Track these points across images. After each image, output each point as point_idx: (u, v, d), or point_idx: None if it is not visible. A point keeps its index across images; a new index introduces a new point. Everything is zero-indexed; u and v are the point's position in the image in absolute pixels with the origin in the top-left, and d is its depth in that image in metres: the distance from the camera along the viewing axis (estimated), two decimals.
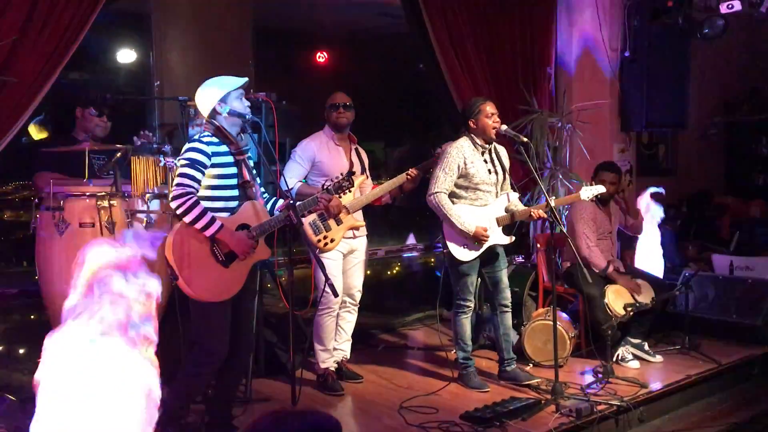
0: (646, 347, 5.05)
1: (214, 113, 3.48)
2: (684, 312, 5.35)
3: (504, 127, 4.40)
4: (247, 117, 3.51)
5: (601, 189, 4.56)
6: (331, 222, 4.41)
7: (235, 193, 3.50)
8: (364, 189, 4.65)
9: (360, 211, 4.61)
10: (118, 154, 3.89)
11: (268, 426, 1.67)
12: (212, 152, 3.41)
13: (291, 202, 3.48)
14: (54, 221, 3.66)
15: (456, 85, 5.89)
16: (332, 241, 4.40)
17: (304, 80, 7.34)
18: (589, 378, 4.61)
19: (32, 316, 4.54)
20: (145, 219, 3.95)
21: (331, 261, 4.42)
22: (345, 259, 4.55)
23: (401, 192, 4.63)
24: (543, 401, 4.11)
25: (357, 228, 4.54)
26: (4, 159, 4.27)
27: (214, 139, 3.45)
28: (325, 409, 4.13)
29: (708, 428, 4.32)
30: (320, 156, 4.47)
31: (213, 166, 3.42)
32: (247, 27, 5.47)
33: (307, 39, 7.49)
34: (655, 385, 4.52)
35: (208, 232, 3.33)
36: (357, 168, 4.60)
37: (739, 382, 5.05)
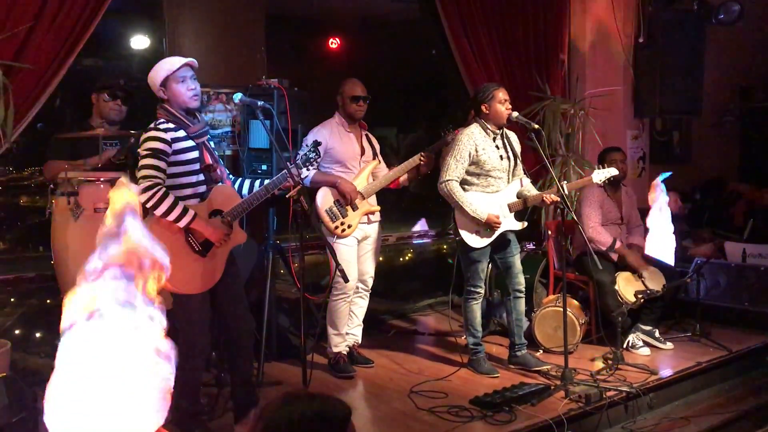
0: (657, 334, 5.05)
1: (162, 98, 3.40)
2: (695, 299, 5.34)
3: (515, 114, 4.40)
4: (259, 105, 3.50)
5: (614, 171, 4.57)
6: (348, 208, 4.45)
7: (201, 177, 3.43)
8: (378, 174, 4.67)
9: (374, 196, 4.65)
10: (132, 140, 3.93)
11: (280, 406, 1.69)
12: (171, 138, 3.32)
13: (302, 186, 3.45)
14: (69, 206, 3.71)
15: (468, 72, 5.88)
16: (349, 227, 4.44)
17: (316, 66, 7.34)
18: (599, 364, 4.62)
19: (48, 301, 4.60)
20: None
21: (347, 247, 4.46)
22: (359, 245, 4.58)
23: (418, 175, 4.63)
24: (552, 387, 4.13)
25: (372, 213, 4.59)
26: (20, 145, 4.32)
27: (170, 125, 3.35)
28: (336, 393, 4.18)
29: (718, 415, 4.32)
30: (332, 143, 4.49)
31: (174, 152, 3.33)
32: (260, 13, 5.46)
33: (320, 25, 7.48)
34: (665, 372, 4.53)
35: (182, 223, 3.26)
36: (368, 154, 4.62)
37: (750, 370, 5.04)
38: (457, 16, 5.75)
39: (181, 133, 3.37)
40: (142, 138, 3.33)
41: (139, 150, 3.32)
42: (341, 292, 4.52)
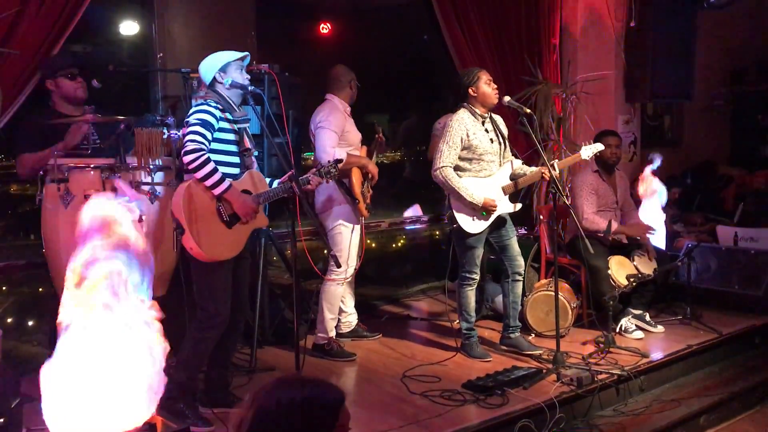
0: (648, 318, 5.08)
1: (214, 82, 3.59)
2: (686, 283, 5.37)
3: (507, 98, 4.40)
4: (249, 88, 3.59)
5: (599, 147, 4.61)
6: (367, 189, 4.59)
7: (237, 160, 3.60)
8: None
9: None
10: (122, 126, 3.89)
11: (272, 391, 1.69)
12: (219, 117, 3.51)
13: (293, 173, 3.51)
14: (59, 193, 3.66)
15: (460, 57, 5.86)
16: (367, 207, 4.56)
17: (307, 52, 7.29)
18: (590, 348, 4.65)
19: (40, 289, 4.59)
20: (149, 191, 3.95)
21: (357, 229, 4.60)
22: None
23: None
24: (544, 370, 4.16)
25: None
26: (9, 133, 4.25)
27: (219, 107, 3.54)
28: (329, 378, 4.20)
29: (708, 397, 4.36)
30: (346, 126, 4.58)
31: (218, 130, 3.51)
32: None
33: (311, 10, 7.42)
34: (656, 355, 4.56)
35: (217, 191, 3.41)
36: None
37: (740, 352, 5.09)
38: (448, 0, 5.72)
39: (227, 116, 3.56)
40: (193, 109, 3.52)
41: (187, 119, 3.50)
42: (340, 276, 4.56)
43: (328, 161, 3.80)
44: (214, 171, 3.41)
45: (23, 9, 3.83)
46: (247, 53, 3.68)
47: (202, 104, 3.52)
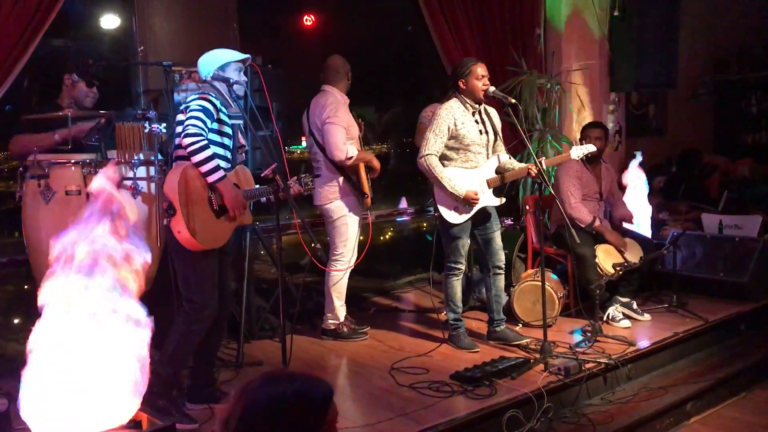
0: (635, 306, 5.10)
1: (213, 78, 3.58)
2: (672, 271, 5.39)
3: (492, 88, 4.38)
4: (231, 80, 3.57)
5: (591, 148, 4.59)
6: (369, 182, 4.70)
7: (229, 155, 3.58)
8: None
9: None
10: (102, 121, 3.84)
11: (259, 387, 1.67)
12: (218, 109, 3.49)
13: (276, 165, 3.50)
14: (40, 189, 3.63)
15: (444, 47, 5.84)
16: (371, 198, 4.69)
17: (291, 44, 7.23)
18: (577, 337, 4.66)
19: (26, 286, 4.54)
20: (132, 186, 3.92)
21: (361, 220, 4.73)
22: None
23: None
24: (532, 360, 4.16)
25: None
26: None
27: (217, 101, 3.51)
28: (317, 371, 4.19)
29: (695, 384, 4.38)
30: (349, 120, 4.63)
31: (216, 121, 3.48)
32: None
33: (294, 2, 7.37)
34: (643, 343, 4.58)
35: (211, 178, 3.39)
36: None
37: (726, 339, 5.11)
38: None
39: (224, 110, 3.55)
40: (194, 97, 3.50)
41: (187, 106, 3.47)
42: (346, 265, 4.69)
43: (306, 174, 3.81)
44: (212, 158, 3.38)
45: None
46: (248, 56, 3.69)
47: (203, 93, 3.50)
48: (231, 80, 3.57)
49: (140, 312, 2.66)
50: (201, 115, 3.40)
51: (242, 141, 3.65)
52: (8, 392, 3.02)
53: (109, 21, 5.41)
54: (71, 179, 3.67)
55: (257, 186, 3.69)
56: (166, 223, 3.39)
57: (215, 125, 3.49)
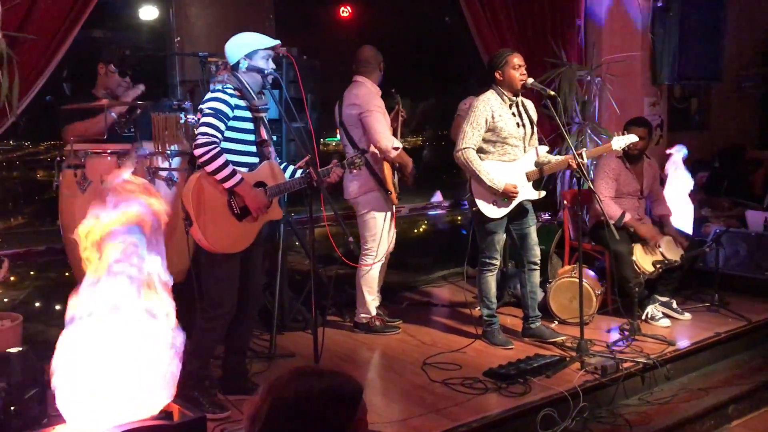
0: (674, 305, 4.98)
1: (237, 65, 3.48)
2: (714, 269, 5.25)
3: (530, 80, 4.30)
4: (266, 71, 3.49)
5: (633, 138, 4.48)
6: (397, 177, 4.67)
7: (254, 149, 3.51)
8: None
9: None
10: (138, 111, 3.86)
11: (288, 383, 1.65)
12: (234, 105, 3.41)
13: (310, 157, 3.45)
14: (76, 179, 3.66)
15: (482, 39, 5.76)
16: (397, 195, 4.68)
17: (326, 35, 7.21)
18: (615, 335, 4.56)
19: (66, 273, 4.60)
20: (167, 176, 3.93)
21: (389, 216, 4.68)
22: None
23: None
24: (568, 358, 4.08)
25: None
26: (33, 119, 4.27)
27: (236, 93, 3.44)
28: (349, 365, 4.17)
29: (737, 386, 4.26)
30: (383, 109, 4.60)
31: (234, 119, 3.41)
32: None
33: None
34: (683, 343, 4.47)
35: (228, 184, 3.34)
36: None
37: None
38: None
39: (244, 103, 3.45)
40: (207, 96, 3.42)
41: (201, 106, 3.41)
42: (378, 259, 4.68)
43: (355, 152, 3.71)
44: (225, 165, 3.32)
45: None
46: (277, 41, 3.55)
47: (217, 90, 3.42)
48: (264, 71, 3.48)
49: (170, 305, 2.67)
50: (212, 120, 3.33)
51: (264, 135, 3.53)
52: (46, 379, 3.05)
53: (147, 12, 5.44)
54: (107, 169, 3.69)
55: (288, 179, 3.62)
56: (186, 231, 3.37)
57: (234, 122, 3.41)
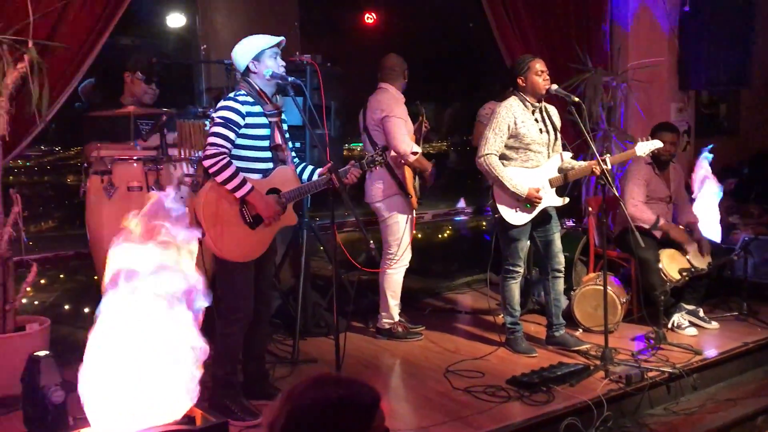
0: (701, 313, 4.90)
1: (248, 71, 3.46)
2: (742, 277, 5.16)
3: (554, 86, 4.27)
4: (289, 79, 3.48)
5: (657, 144, 4.43)
6: (418, 182, 4.68)
7: (268, 155, 3.48)
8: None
9: None
10: (164, 118, 3.91)
11: (305, 391, 1.66)
12: (246, 112, 3.38)
13: (332, 165, 3.44)
14: (102, 185, 3.72)
15: (506, 44, 5.73)
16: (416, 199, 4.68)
17: (351, 41, 7.24)
18: (640, 344, 4.51)
19: (95, 277, 4.68)
20: (192, 182, 3.98)
21: (410, 219, 4.68)
22: None
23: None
24: (592, 367, 4.04)
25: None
26: (64, 125, 4.35)
27: (249, 99, 3.41)
28: (371, 372, 4.17)
29: (765, 397, 4.19)
30: (405, 117, 4.60)
31: (246, 126, 3.39)
32: None
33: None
34: (710, 352, 4.40)
35: (239, 194, 3.33)
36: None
37: None
38: None
39: (257, 109, 3.41)
40: (219, 105, 3.40)
41: (212, 115, 3.40)
42: (402, 264, 4.68)
43: (376, 151, 3.65)
44: (235, 174, 3.30)
45: (69, 2, 3.87)
46: (282, 38, 3.51)
47: (228, 99, 3.39)
48: (288, 78, 3.47)
49: (195, 309, 2.69)
50: (221, 129, 3.31)
51: (278, 140, 3.50)
52: (70, 381, 3.10)
53: (174, 20, 5.52)
54: (133, 175, 3.75)
55: (310, 180, 3.59)
56: (200, 241, 3.38)
57: (247, 130, 3.38)
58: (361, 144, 5.25)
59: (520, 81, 4.30)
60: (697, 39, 6.18)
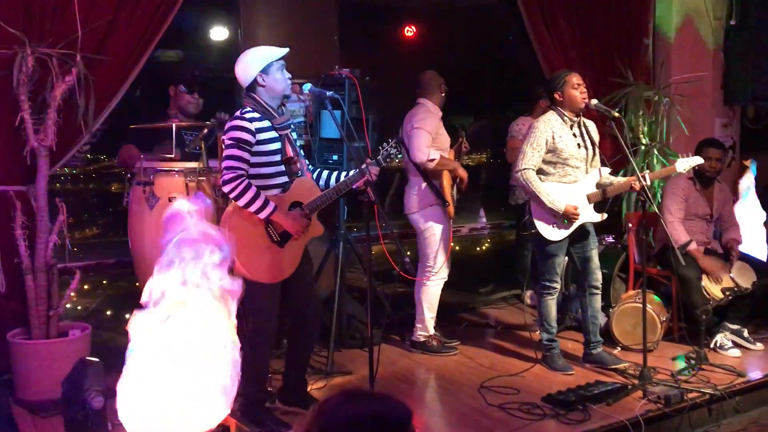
0: (745, 334, 4.78)
1: (255, 85, 3.39)
2: None
3: (594, 101, 4.23)
4: (327, 94, 3.51)
5: (698, 160, 4.34)
6: (455, 191, 4.67)
7: (281, 169, 3.43)
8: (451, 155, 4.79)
9: None
10: (205, 131, 3.98)
11: (338, 406, 1.66)
12: (256, 128, 3.33)
13: (368, 178, 3.43)
14: (144, 195, 3.79)
15: (546, 58, 5.70)
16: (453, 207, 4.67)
17: (391, 55, 7.28)
18: (680, 364, 4.41)
19: (137, 284, 4.77)
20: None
21: (447, 231, 4.65)
22: None
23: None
24: (630, 386, 3.97)
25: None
26: (111, 136, 4.46)
27: (256, 115, 3.35)
28: (405, 385, 4.16)
29: None
30: (438, 129, 4.61)
31: (258, 143, 3.33)
32: (333, 1, 5.45)
33: (395, 13, 7.42)
34: (754, 374, 4.29)
35: (263, 215, 3.29)
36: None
37: None
38: (534, 0, 5.58)
39: (266, 124, 3.37)
40: (227, 126, 3.35)
41: (223, 138, 3.36)
42: (441, 276, 4.67)
43: (390, 143, 3.56)
44: (257, 196, 3.26)
45: (116, 17, 3.97)
46: (287, 49, 3.43)
47: (235, 118, 3.33)
48: (326, 93, 3.49)
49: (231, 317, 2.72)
50: (235, 152, 3.26)
51: (290, 152, 3.43)
52: (109, 387, 3.16)
53: (216, 33, 5.62)
54: (174, 186, 3.81)
55: (322, 188, 3.55)
56: (230, 270, 3.38)
57: (259, 147, 3.32)
58: (399, 156, 5.27)
59: (557, 96, 4.27)
60: (744, 53, 6.07)
